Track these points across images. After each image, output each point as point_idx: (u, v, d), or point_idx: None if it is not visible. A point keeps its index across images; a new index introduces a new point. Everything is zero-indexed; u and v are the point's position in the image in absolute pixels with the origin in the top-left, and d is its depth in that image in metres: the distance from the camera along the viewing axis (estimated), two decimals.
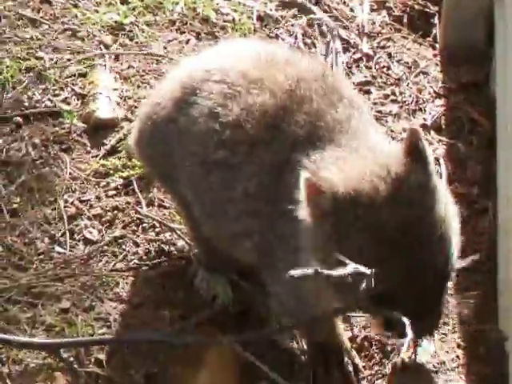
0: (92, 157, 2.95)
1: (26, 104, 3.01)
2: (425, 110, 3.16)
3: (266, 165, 2.36)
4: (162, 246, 2.79)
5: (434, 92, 3.23)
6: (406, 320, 2.01)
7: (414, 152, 2.04)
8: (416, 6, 3.34)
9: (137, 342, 2.46)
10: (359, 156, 2.17)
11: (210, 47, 2.80)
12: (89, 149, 2.96)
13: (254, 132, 2.37)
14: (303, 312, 2.39)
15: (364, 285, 1.93)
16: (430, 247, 2.02)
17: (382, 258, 1.97)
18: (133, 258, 2.76)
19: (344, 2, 3.40)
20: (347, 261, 1.93)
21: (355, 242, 2.00)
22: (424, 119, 3.12)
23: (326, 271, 1.91)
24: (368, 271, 1.90)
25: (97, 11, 3.24)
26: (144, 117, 2.66)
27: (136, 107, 3.08)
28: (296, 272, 1.96)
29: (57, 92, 3.06)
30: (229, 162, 2.41)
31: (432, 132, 3.07)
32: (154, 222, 2.77)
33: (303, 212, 2.14)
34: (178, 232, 2.83)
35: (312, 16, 3.28)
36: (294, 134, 2.33)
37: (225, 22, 3.25)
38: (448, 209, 2.10)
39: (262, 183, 2.37)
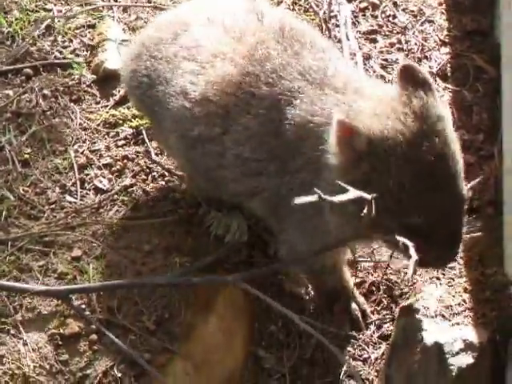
0: (101, 107, 2.93)
1: (36, 56, 3.00)
2: (430, 58, 3.14)
3: (253, 130, 2.34)
4: (172, 194, 2.72)
5: (440, 40, 3.22)
6: (409, 243, 2.02)
7: (418, 81, 2.06)
8: None
9: (143, 285, 2.44)
10: (367, 97, 2.15)
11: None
12: (98, 99, 2.95)
13: (224, 103, 2.37)
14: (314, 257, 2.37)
15: (365, 210, 1.96)
16: (459, 177, 2.04)
17: (422, 191, 1.99)
18: (143, 206, 2.70)
19: None
20: (349, 187, 1.98)
21: (396, 179, 2.00)
22: (430, 67, 3.10)
23: (328, 197, 1.94)
24: (369, 196, 1.94)
25: None
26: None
27: None
28: (301, 199, 1.99)
29: (66, 44, 3.04)
30: (208, 136, 2.41)
31: (438, 79, 3.04)
32: (164, 170, 2.72)
33: (334, 157, 2.11)
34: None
35: None
36: (269, 94, 2.33)
37: None
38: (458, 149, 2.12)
39: (257, 147, 2.35)
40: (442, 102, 2.11)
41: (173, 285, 2.44)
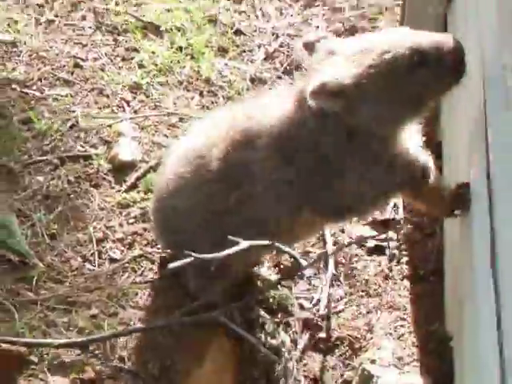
0: (116, 191, 2.94)
1: (62, 149, 3.01)
2: None
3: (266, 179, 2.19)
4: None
5: None
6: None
7: None
8: None
9: (145, 329, 2.50)
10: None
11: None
12: (113, 185, 2.96)
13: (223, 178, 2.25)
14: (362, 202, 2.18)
15: None
16: None
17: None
18: (149, 273, 2.74)
19: None
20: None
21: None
22: None
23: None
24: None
25: (119, 73, 3.24)
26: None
27: (151, 151, 3.05)
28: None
29: (87, 139, 3.06)
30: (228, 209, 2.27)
31: None
32: None
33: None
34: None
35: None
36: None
37: (223, 82, 3.24)
38: None
39: (258, 196, 2.22)
40: None
41: (167, 326, 2.47)
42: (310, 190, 2.16)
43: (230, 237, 2.19)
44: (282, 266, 2.78)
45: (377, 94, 1.97)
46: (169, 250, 2.67)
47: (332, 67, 1.97)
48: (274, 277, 2.71)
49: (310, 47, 2.09)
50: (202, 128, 2.46)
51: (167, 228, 2.50)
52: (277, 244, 2.38)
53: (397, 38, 1.98)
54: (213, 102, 3.19)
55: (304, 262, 2.59)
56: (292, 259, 2.69)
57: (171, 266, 2.28)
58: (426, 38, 1.96)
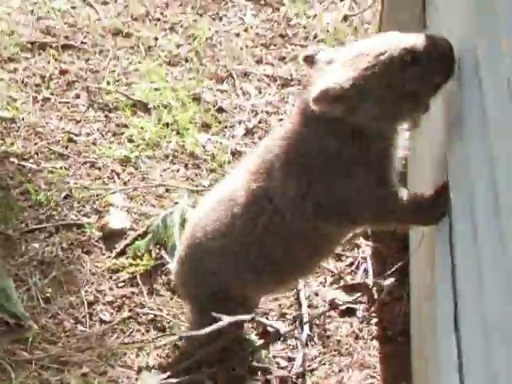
0: (106, 257, 2.97)
1: (57, 218, 3.04)
2: None
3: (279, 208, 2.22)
4: (159, 325, 2.78)
5: None
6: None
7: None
8: None
9: None
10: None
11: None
12: (104, 251, 2.99)
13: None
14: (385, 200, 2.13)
15: None
16: None
17: None
18: (137, 334, 2.76)
19: None
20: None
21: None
22: None
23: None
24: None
25: (110, 148, 3.28)
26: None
27: (139, 220, 3.07)
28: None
29: (80, 209, 3.09)
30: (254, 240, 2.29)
31: (361, 238, 3.02)
32: (153, 311, 2.80)
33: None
34: (169, 317, 2.78)
35: None
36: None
37: (206, 155, 3.26)
38: None
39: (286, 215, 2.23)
40: None
41: None
42: (320, 197, 2.15)
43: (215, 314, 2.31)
44: (261, 329, 2.77)
45: (374, 94, 1.99)
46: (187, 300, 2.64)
47: (331, 74, 2.00)
48: (255, 340, 2.74)
49: (309, 60, 2.10)
50: (234, 173, 2.48)
51: (200, 271, 2.47)
52: (257, 318, 2.56)
53: (389, 41, 2.00)
54: (197, 174, 3.22)
55: (282, 327, 2.71)
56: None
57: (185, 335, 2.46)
58: (416, 39, 1.99)
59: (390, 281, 2.82)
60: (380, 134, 2.07)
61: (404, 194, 2.12)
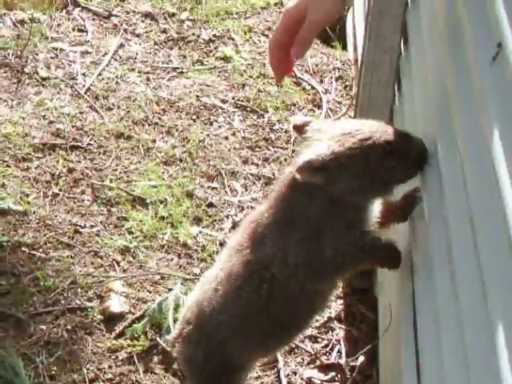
0: (106, 338, 3.04)
1: (63, 302, 3.12)
2: (330, 307, 3.13)
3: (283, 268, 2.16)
4: None
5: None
6: None
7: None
8: None
9: None
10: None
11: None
12: (104, 333, 3.05)
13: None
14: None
15: None
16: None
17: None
18: None
19: None
20: None
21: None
22: (330, 313, 3.12)
23: None
24: None
25: (111, 238, 3.37)
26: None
27: (137, 304, 3.12)
28: None
29: (83, 294, 3.17)
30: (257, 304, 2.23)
31: (335, 322, 3.10)
32: None
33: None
34: None
35: None
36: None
37: (197, 246, 3.34)
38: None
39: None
40: None
41: None
42: (304, 258, 2.12)
43: None
44: None
45: (352, 171, 1.99)
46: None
47: (317, 145, 2.00)
48: None
49: (298, 129, 2.10)
50: (226, 253, 2.39)
51: (207, 344, 2.38)
52: None
53: (374, 129, 2.02)
54: (189, 263, 3.30)
55: None
56: None
57: None
58: (397, 133, 2.02)
59: (360, 361, 2.92)
60: (355, 204, 2.06)
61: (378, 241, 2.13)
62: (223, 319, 2.30)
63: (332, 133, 2.03)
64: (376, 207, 2.13)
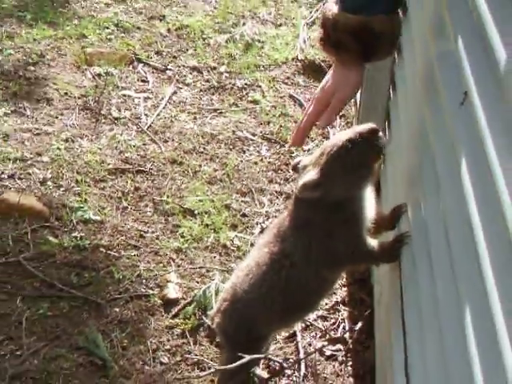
0: (165, 318, 3.01)
1: (131, 290, 3.10)
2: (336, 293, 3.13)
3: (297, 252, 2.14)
4: (201, 365, 2.79)
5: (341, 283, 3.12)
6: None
7: None
8: None
9: None
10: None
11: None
12: (163, 314, 3.03)
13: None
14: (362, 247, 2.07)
15: None
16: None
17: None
18: (185, 372, 2.74)
19: None
20: None
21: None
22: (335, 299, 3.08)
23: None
24: None
25: (168, 241, 3.29)
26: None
27: (188, 292, 3.09)
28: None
29: (147, 284, 3.15)
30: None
31: (341, 305, 3.06)
32: (199, 356, 2.82)
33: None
34: (208, 360, 2.76)
35: None
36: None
37: (233, 247, 3.27)
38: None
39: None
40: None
41: None
42: (318, 251, 2.10)
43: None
44: (270, 368, 2.82)
45: (337, 175, 1.97)
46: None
47: (307, 173, 1.99)
48: (266, 375, 2.71)
49: (295, 168, 2.08)
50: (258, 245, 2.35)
51: (237, 319, 2.37)
52: (269, 356, 2.59)
53: (338, 136, 2.01)
54: (227, 260, 3.25)
55: (285, 365, 2.77)
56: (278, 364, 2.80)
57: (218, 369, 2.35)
58: (351, 132, 1.98)
59: (360, 335, 2.88)
60: (350, 201, 2.02)
61: (373, 242, 2.07)
62: (251, 298, 2.29)
63: (312, 160, 2.01)
64: (370, 214, 2.07)
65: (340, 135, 2.02)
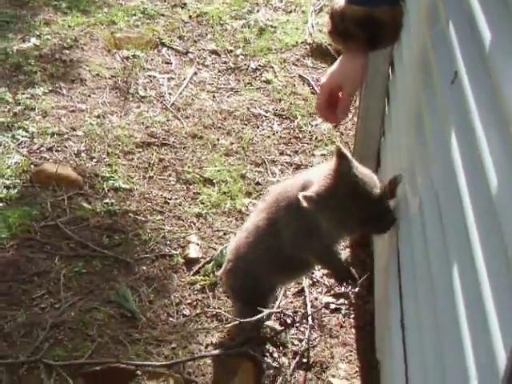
0: (187, 275, 3.02)
1: (157, 250, 3.11)
2: None
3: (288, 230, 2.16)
4: (219, 317, 2.78)
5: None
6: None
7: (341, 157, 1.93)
8: None
9: (200, 357, 2.48)
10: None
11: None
12: (185, 271, 3.04)
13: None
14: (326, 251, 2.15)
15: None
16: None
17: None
18: (205, 323, 2.75)
19: None
20: None
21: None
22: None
23: None
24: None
25: (189, 207, 3.28)
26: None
27: (207, 252, 3.10)
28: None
29: (171, 244, 3.16)
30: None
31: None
32: (217, 309, 2.80)
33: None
34: (225, 312, 2.70)
35: None
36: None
37: (248, 212, 3.23)
38: (371, 178, 1.99)
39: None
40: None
41: (216, 355, 2.49)
42: (303, 239, 2.15)
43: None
44: (281, 320, 2.81)
45: (328, 208, 1.96)
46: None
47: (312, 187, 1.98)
48: (278, 327, 2.70)
49: (307, 200, 1.99)
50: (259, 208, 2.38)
51: (242, 274, 2.41)
52: (282, 311, 2.60)
53: (321, 169, 1.99)
54: (242, 224, 3.08)
55: (296, 319, 2.76)
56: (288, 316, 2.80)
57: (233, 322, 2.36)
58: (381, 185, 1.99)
59: (362, 291, 2.88)
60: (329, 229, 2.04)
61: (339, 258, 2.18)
62: (252, 257, 2.33)
63: (323, 172, 1.98)
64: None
65: (323, 165, 2.00)
